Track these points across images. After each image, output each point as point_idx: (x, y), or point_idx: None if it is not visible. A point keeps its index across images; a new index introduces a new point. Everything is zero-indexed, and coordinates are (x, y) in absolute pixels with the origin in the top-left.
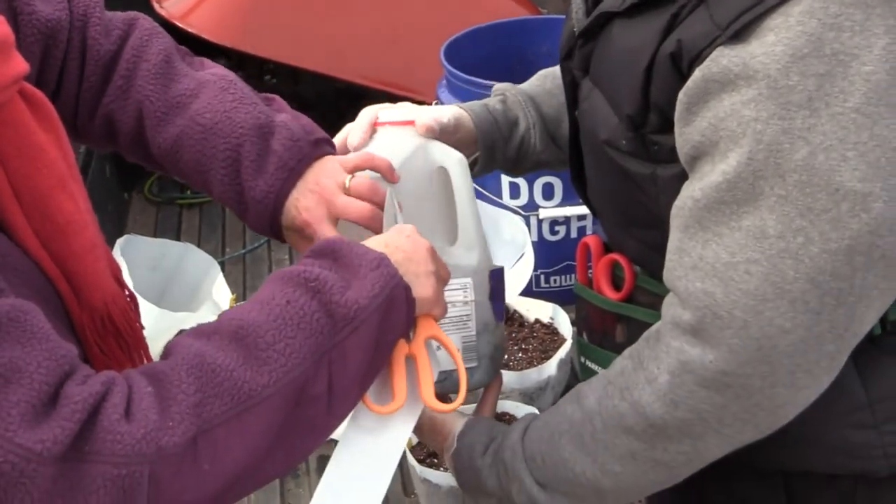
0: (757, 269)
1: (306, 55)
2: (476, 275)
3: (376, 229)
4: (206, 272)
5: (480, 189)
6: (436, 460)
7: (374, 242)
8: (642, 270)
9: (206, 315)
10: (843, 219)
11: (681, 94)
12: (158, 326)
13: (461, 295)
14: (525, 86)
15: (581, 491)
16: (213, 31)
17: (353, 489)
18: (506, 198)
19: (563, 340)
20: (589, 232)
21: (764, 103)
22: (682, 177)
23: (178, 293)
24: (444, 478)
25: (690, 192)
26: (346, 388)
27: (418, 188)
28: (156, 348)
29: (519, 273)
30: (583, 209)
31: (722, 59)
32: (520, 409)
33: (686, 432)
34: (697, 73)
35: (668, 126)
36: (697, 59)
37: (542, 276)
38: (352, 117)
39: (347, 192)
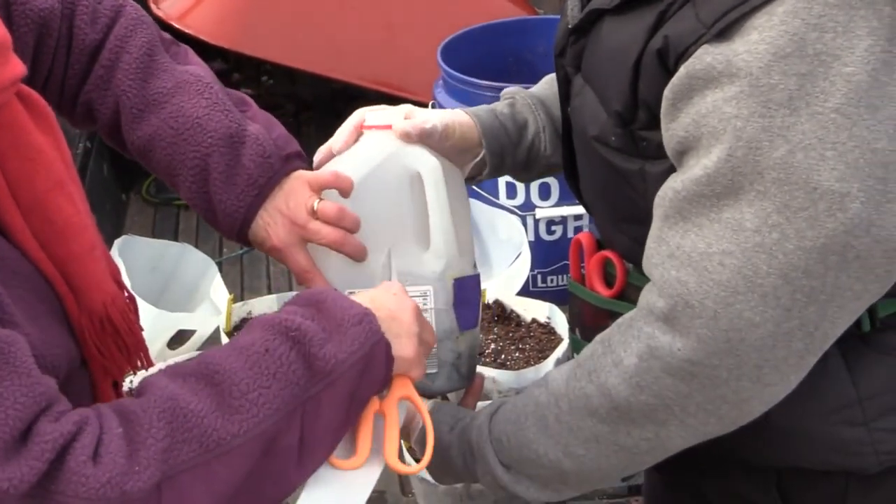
0: (731, 262)
1: (303, 56)
2: (438, 283)
3: (348, 253)
4: (203, 273)
5: (477, 189)
6: None
7: (360, 297)
8: (634, 267)
9: (203, 315)
10: (820, 217)
11: (666, 91)
12: (156, 327)
13: (421, 302)
14: (535, 89)
15: (544, 473)
16: (210, 33)
17: None
18: (502, 198)
19: (560, 340)
20: (585, 231)
21: (745, 101)
22: (671, 173)
23: (176, 294)
24: None
25: (672, 184)
26: (318, 441)
27: (393, 193)
28: (154, 349)
29: (516, 273)
30: (579, 209)
31: (706, 56)
32: None
33: (650, 417)
34: (682, 70)
35: (656, 122)
36: (683, 55)
37: (539, 276)
38: (348, 118)
39: (314, 215)
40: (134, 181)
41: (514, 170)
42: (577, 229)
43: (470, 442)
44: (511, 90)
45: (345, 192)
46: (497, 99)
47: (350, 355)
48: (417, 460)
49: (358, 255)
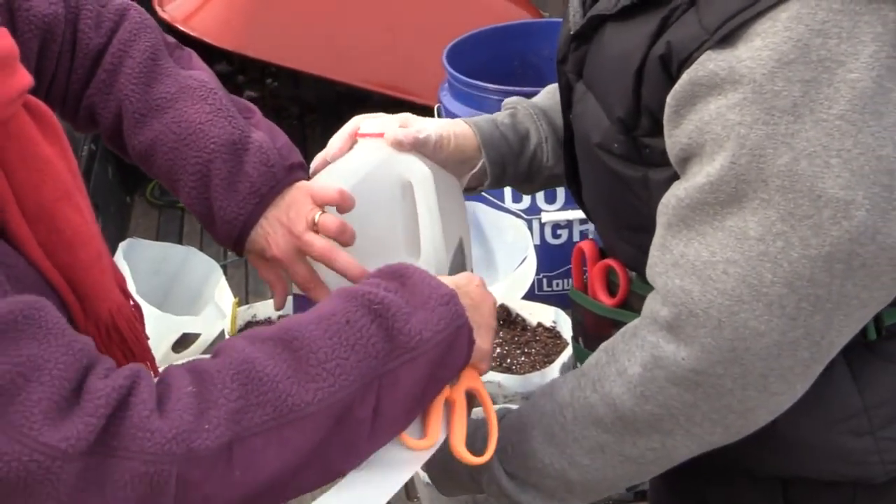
0: (735, 270)
1: (308, 58)
2: None
3: (339, 269)
4: (208, 276)
5: (483, 193)
6: None
7: (444, 281)
8: (637, 276)
9: (208, 318)
10: (825, 225)
11: (669, 98)
12: (161, 330)
13: None
14: (537, 99)
15: (549, 483)
16: (215, 35)
17: None
18: (508, 202)
19: (566, 344)
20: (591, 236)
21: (749, 108)
22: (674, 180)
23: (181, 297)
24: None
25: (676, 192)
26: (393, 416)
27: (384, 201)
28: (159, 352)
29: (521, 277)
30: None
31: (709, 62)
32: None
33: (655, 427)
34: (685, 77)
35: (659, 129)
36: (686, 62)
37: (545, 280)
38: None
39: (315, 228)
40: (138, 184)
41: (516, 181)
42: (583, 233)
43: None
44: (512, 100)
45: (345, 210)
46: (502, 102)
47: (435, 334)
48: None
49: (348, 272)
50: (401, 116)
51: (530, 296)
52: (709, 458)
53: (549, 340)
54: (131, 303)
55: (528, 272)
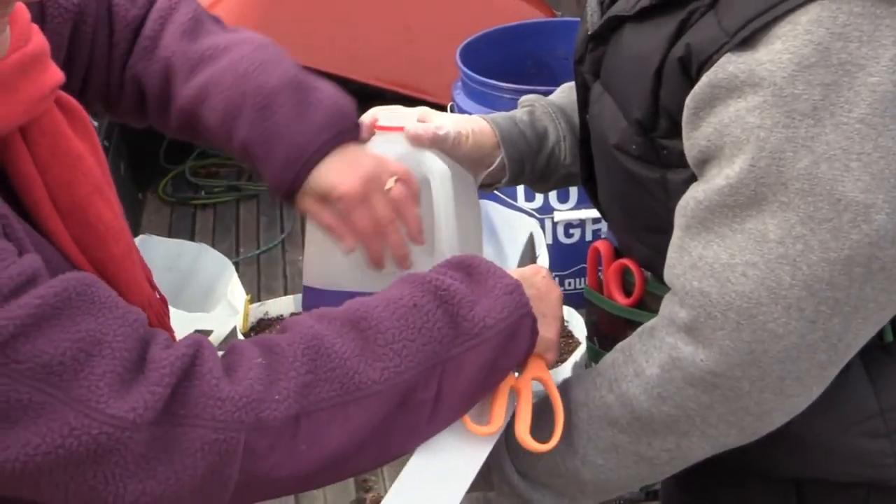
0: (754, 273)
1: (320, 56)
2: None
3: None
4: (220, 272)
5: (496, 192)
6: None
7: (511, 273)
8: (653, 276)
9: (220, 315)
10: (844, 229)
11: (688, 100)
12: (174, 327)
13: None
14: (554, 97)
15: (561, 482)
16: None
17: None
18: (521, 200)
19: (578, 343)
20: (604, 235)
21: (769, 111)
22: (692, 181)
23: (194, 293)
24: None
25: (694, 193)
26: (454, 401)
27: None
28: None
29: None
30: (598, 212)
31: (729, 65)
32: None
33: (671, 428)
34: (704, 79)
35: (677, 130)
36: (706, 64)
37: (557, 279)
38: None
39: (387, 193)
40: (151, 180)
41: (533, 178)
42: (596, 232)
43: None
44: (530, 98)
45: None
46: (515, 101)
47: (498, 322)
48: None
49: (398, 249)
50: (419, 110)
51: None
52: (722, 459)
53: (560, 339)
54: (158, 296)
55: None
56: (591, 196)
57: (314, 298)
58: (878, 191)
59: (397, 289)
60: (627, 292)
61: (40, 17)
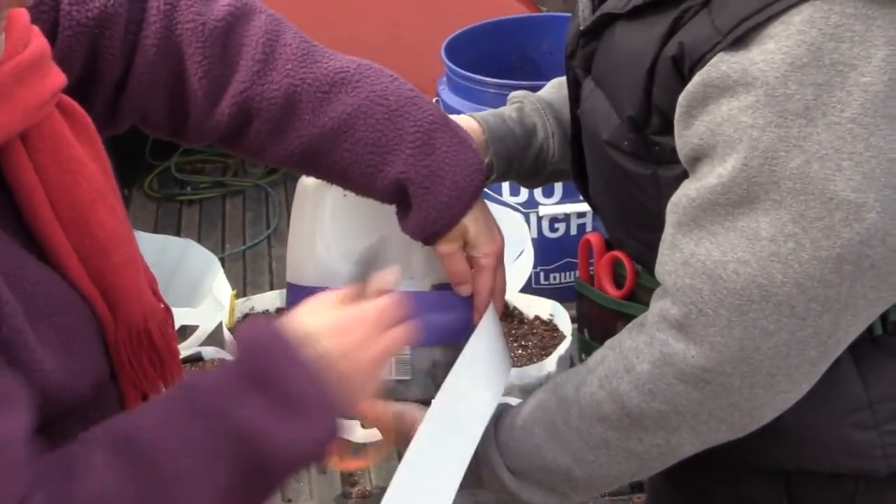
0: (745, 270)
1: None
2: (417, 285)
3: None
4: (206, 268)
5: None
6: None
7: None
8: (644, 269)
9: (206, 311)
10: (836, 227)
11: (680, 98)
12: None
13: None
14: (543, 93)
15: (552, 479)
16: None
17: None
18: (506, 195)
19: (563, 337)
20: (589, 229)
21: (761, 110)
22: (684, 178)
23: (179, 289)
24: None
25: (686, 191)
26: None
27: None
28: None
29: (519, 270)
30: (583, 206)
31: (722, 64)
32: None
33: (661, 424)
34: (697, 78)
35: (669, 128)
36: (699, 63)
37: (542, 273)
38: None
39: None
40: (137, 177)
41: (521, 175)
42: (581, 226)
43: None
44: (519, 94)
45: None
46: (501, 96)
47: (303, 444)
48: None
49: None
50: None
51: (528, 289)
52: (710, 452)
53: (546, 333)
54: (162, 305)
55: (525, 266)
56: (581, 191)
57: (297, 295)
58: (870, 190)
59: (196, 423)
60: (619, 284)
61: (52, 30)
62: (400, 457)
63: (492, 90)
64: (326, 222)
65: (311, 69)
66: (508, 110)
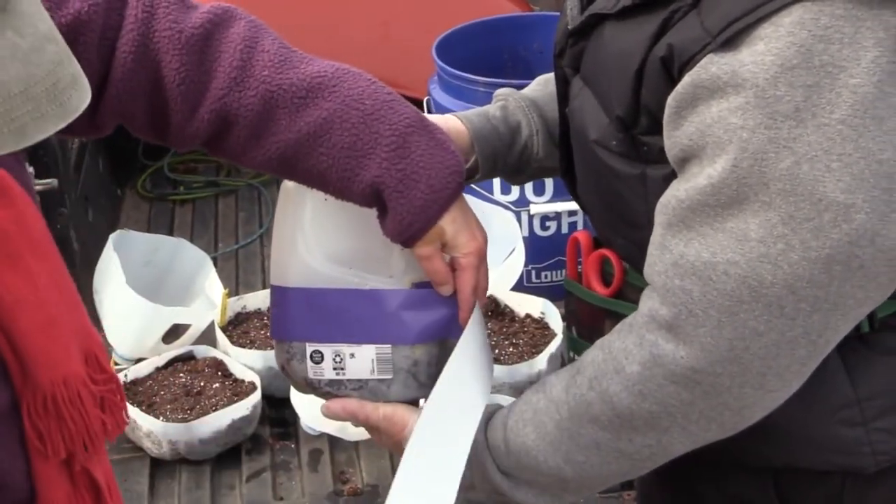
0: (735, 271)
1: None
2: (397, 282)
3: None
4: (199, 267)
5: (472, 185)
6: None
7: None
8: (631, 267)
9: (198, 310)
10: (825, 228)
11: (670, 99)
12: (151, 321)
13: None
14: (527, 91)
15: (543, 480)
16: None
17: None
18: (497, 193)
19: (554, 335)
20: (580, 227)
21: (751, 112)
22: (672, 177)
23: (172, 288)
24: None
25: (675, 192)
26: None
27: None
28: (149, 342)
29: (510, 268)
30: (574, 205)
31: (711, 66)
32: None
33: (652, 425)
34: (687, 79)
35: (658, 128)
36: (688, 64)
37: (533, 272)
38: None
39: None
40: (129, 176)
41: (506, 173)
42: (572, 225)
43: None
44: (503, 92)
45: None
46: (492, 95)
47: None
48: None
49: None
50: None
51: (519, 287)
52: (699, 450)
53: (536, 331)
54: (106, 372)
55: (516, 264)
56: (570, 189)
57: (280, 296)
58: (859, 191)
59: None
60: (607, 283)
61: (107, 56)
62: (390, 456)
63: (483, 89)
64: (307, 223)
65: (288, 75)
66: (493, 108)
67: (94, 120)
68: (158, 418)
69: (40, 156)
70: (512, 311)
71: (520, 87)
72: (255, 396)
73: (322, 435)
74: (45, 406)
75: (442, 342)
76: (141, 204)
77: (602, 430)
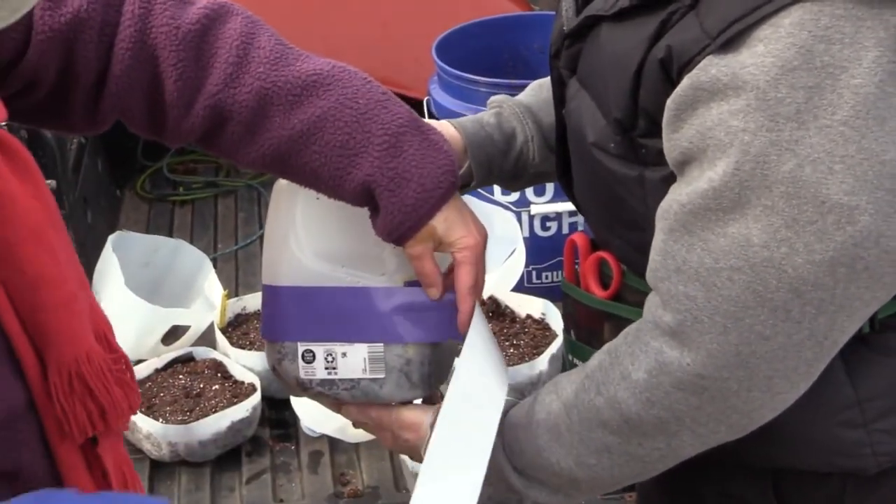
0: (740, 277)
1: None
2: (389, 280)
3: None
4: (198, 268)
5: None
6: None
7: None
8: (629, 269)
9: (198, 311)
10: (829, 231)
11: (669, 101)
12: (151, 322)
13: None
14: (522, 97)
15: (556, 480)
16: None
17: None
18: (497, 194)
19: (555, 336)
20: (580, 228)
21: (752, 114)
22: (670, 179)
23: (171, 289)
24: None
25: (677, 196)
26: None
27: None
28: (148, 344)
29: (510, 269)
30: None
31: (711, 68)
32: None
33: (661, 430)
34: (686, 81)
35: (656, 130)
36: (687, 66)
37: (534, 272)
38: None
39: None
40: (128, 177)
41: (502, 179)
42: (572, 225)
43: None
44: (498, 99)
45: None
46: (492, 95)
47: None
48: None
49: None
50: None
51: (519, 288)
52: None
53: (537, 332)
54: (114, 353)
55: (517, 264)
56: (567, 191)
57: (272, 296)
58: (862, 192)
59: None
60: (605, 285)
61: (26, 35)
62: (390, 457)
63: (483, 89)
64: (299, 222)
65: (283, 72)
66: (487, 115)
67: (93, 116)
68: (158, 420)
69: (38, 156)
70: (513, 312)
71: (519, 88)
72: (255, 398)
73: (322, 436)
74: (72, 384)
75: (435, 343)
76: (140, 205)
77: (612, 434)
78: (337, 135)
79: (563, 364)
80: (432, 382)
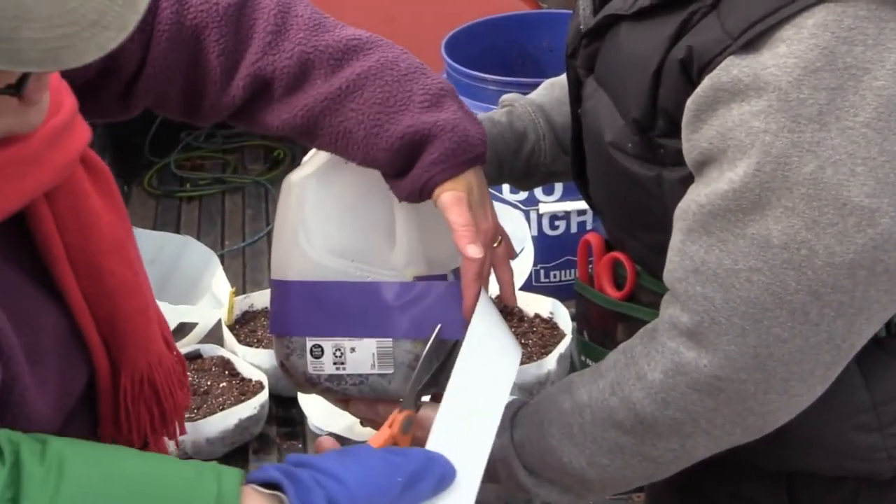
0: (758, 279)
1: None
2: (398, 276)
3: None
4: (205, 265)
5: None
6: None
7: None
8: (644, 270)
9: (205, 308)
10: (849, 233)
11: (689, 102)
12: None
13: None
14: (533, 95)
15: (567, 480)
16: None
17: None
18: (506, 192)
19: (563, 335)
20: (589, 227)
21: (774, 115)
22: (689, 180)
23: (178, 286)
24: None
25: (695, 197)
26: None
27: (373, 187)
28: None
29: (518, 268)
30: (583, 204)
31: (732, 68)
32: None
33: (676, 431)
34: (707, 82)
35: (675, 130)
36: (708, 66)
37: (542, 271)
38: None
39: (493, 249)
40: (136, 173)
41: (513, 178)
42: (581, 224)
43: (493, 446)
44: (509, 97)
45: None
46: (501, 93)
47: None
48: None
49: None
50: None
51: (528, 287)
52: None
53: (546, 332)
54: (175, 355)
55: (525, 263)
56: (582, 191)
57: (281, 291)
58: (883, 195)
59: None
60: (619, 285)
61: (147, 40)
62: None
63: (492, 87)
64: (308, 216)
65: (324, 38)
66: (498, 114)
67: (129, 101)
68: None
69: None
70: (521, 311)
71: (529, 86)
72: (263, 396)
73: (330, 435)
74: (142, 389)
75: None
76: (147, 201)
77: (625, 434)
78: (377, 92)
79: (572, 364)
80: (441, 379)
